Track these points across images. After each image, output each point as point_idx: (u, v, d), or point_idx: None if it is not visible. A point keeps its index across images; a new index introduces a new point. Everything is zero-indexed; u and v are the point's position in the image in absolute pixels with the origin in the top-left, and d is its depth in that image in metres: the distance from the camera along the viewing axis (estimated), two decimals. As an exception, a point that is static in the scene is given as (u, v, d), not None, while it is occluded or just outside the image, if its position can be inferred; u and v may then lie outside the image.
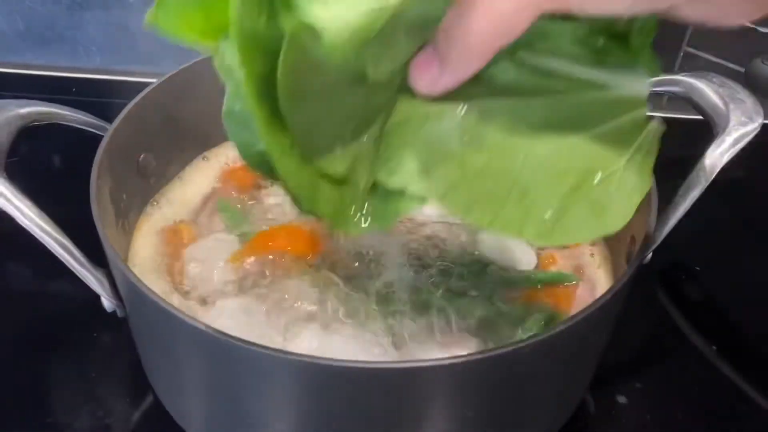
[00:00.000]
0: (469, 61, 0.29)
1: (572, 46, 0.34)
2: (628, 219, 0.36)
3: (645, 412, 0.52)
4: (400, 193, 0.34)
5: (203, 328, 0.37)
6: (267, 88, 0.29)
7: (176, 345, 0.42)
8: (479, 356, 0.36)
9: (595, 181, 0.35)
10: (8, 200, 0.42)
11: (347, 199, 0.33)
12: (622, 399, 0.52)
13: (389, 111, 0.33)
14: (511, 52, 0.31)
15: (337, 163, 0.32)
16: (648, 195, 0.45)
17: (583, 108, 0.34)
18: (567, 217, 0.34)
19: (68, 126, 0.51)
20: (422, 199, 0.34)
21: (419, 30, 0.31)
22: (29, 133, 0.48)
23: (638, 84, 0.35)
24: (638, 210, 0.46)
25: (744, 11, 0.29)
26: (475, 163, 0.33)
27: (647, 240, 0.44)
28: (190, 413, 0.48)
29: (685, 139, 0.48)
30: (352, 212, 0.34)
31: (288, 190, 0.31)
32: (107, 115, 0.51)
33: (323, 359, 0.37)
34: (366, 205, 0.34)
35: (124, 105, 0.51)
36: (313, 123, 0.31)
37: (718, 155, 0.46)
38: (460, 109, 0.33)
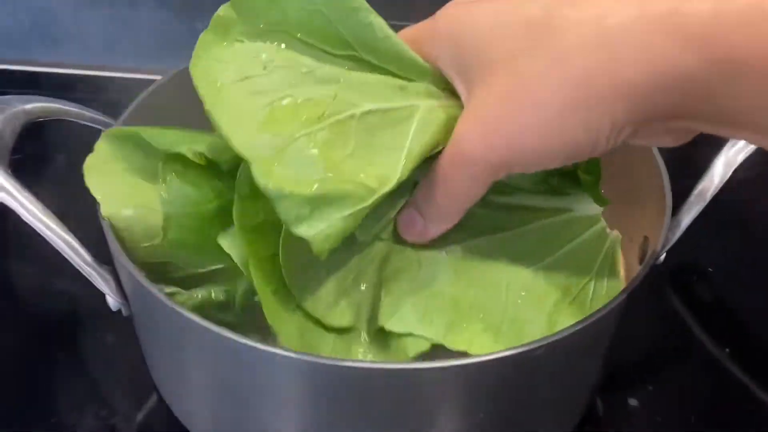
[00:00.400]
0: (446, 219, 0.36)
1: (532, 185, 0.40)
2: None
3: (656, 414, 0.51)
4: (407, 334, 0.38)
5: (210, 327, 0.37)
6: (272, 266, 0.35)
7: (182, 344, 0.42)
8: (491, 358, 0.36)
9: (573, 295, 0.39)
10: (12, 197, 0.42)
11: (353, 345, 0.38)
12: (633, 401, 0.52)
13: (384, 258, 0.38)
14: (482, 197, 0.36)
15: (342, 315, 0.37)
16: (662, 194, 0.45)
17: (549, 232, 0.40)
18: (555, 331, 0.38)
19: (73, 122, 0.51)
20: (429, 340, 0.38)
21: (399, 194, 0.36)
22: (34, 130, 0.47)
23: (591, 205, 0.41)
24: (652, 210, 0.46)
25: (671, 141, 0.34)
26: (466, 299, 0.38)
27: (661, 240, 0.44)
28: (195, 414, 0.47)
29: (700, 137, 0.47)
30: (357, 355, 0.38)
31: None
32: (113, 112, 0.51)
33: (332, 360, 0.36)
34: (371, 345, 0.38)
35: (130, 102, 0.50)
36: (314, 284, 0.36)
37: (733, 154, 0.46)
38: (447, 253, 0.38)
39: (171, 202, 0.37)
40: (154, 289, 0.39)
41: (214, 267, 0.41)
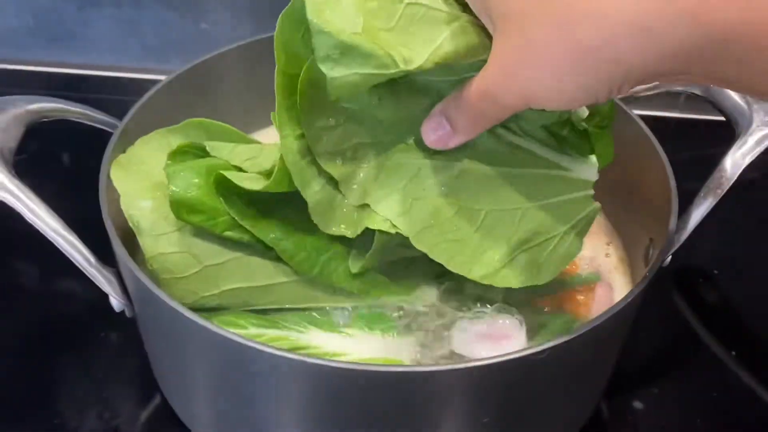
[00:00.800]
0: (469, 132, 0.40)
1: (541, 131, 0.43)
2: (553, 277, 0.44)
3: (662, 418, 0.51)
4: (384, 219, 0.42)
5: (213, 329, 0.37)
6: (293, 87, 0.39)
7: (185, 346, 0.42)
8: (496, 361, 0.36)
9: (538, 241, 0.43)
10: (17, 198, 0.42)
11: (335, 200, 0.41)
12: (638, 404, 0.51)
13: (391, 151, 0.41)
14: (492, 128, 0.41)
15: (334, 168, 0.40)
16: (668, 196, 0.45)
17: (542, 181, 0.43)
18: (510, 266, 0.42)
19: (77, 123, 0.51)
20: (394, 227, 0.41)
21: (422, 94, 0.41)
22: (38, 130, 0.47)
23: (590, 171, 0.44)
24: (658, 212, 0.46)
25: (676, 85, 0.39)
26: (446, 213, 0.42)
27: (668, 242, 0.43)
28: (199, 415, 0.47)
29: (705, 140, 0.47)
30: (331, 213, 0.41)
31: (285, 163, 0.39)
32: (117, 112, 0.51)
33: (337, 362, 0.36)
34: (351, 211, 0.41)
35: (134, 102, 0.50)
36: (322, 127, 0.40)
37: (739, 157, 0.46)
38: (446, 169, 0.42)
39: (171, 165, 0.43)
40: (157, 290, 0.39)
41: (226, 257, 0.43)
